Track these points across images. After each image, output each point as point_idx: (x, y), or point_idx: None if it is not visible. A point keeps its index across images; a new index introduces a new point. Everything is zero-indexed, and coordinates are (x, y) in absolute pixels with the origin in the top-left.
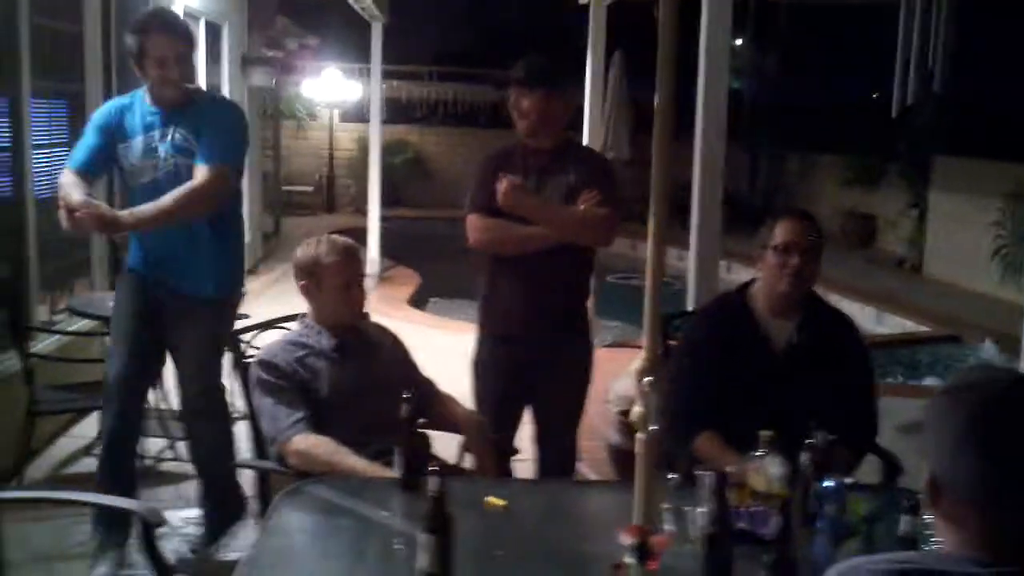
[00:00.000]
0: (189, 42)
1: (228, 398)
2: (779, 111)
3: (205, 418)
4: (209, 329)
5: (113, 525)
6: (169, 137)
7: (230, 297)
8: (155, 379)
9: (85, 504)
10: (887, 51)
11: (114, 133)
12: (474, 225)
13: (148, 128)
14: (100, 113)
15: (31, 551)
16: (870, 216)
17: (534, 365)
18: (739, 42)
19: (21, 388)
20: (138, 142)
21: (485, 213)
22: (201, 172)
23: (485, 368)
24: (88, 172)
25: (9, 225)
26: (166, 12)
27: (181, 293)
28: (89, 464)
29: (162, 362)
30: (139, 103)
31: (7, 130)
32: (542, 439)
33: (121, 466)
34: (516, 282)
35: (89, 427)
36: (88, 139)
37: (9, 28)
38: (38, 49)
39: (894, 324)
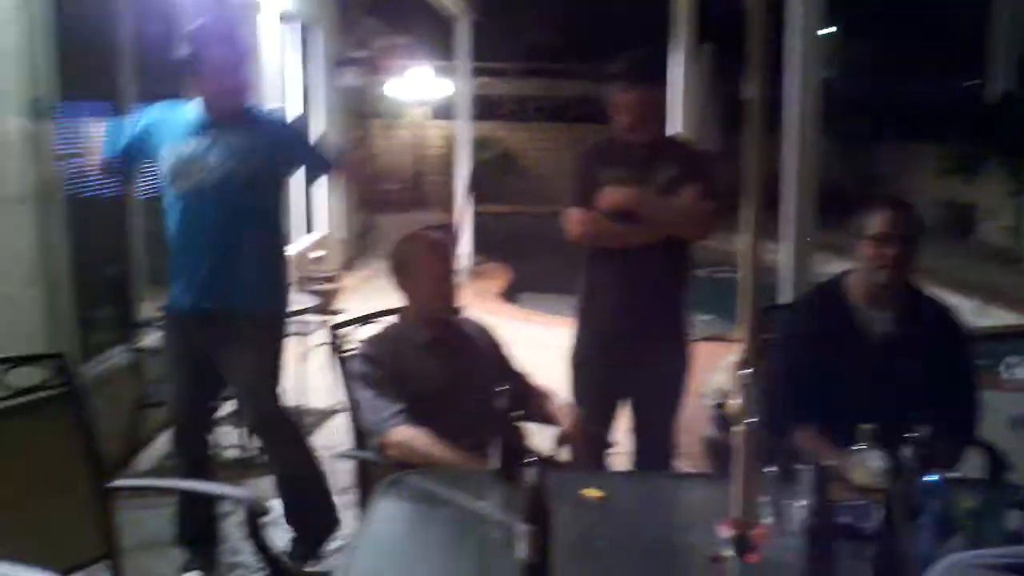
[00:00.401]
0: (247, 52)
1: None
2: (872, 100)
3: (273, 444)
4: (258, 351)
5: (201, 543)
6: (221, 146)
7: (277, 313)
8: (215, 409)
9: (191, 492)
10: (983, 37)
11: (156, 134)
12: (574, 219)
13: (196, 134)
14: (147, 112)
15: (142, 538)
16: (969, 206)
17: (633, 360)
18: (830, 30)
19: (130, 381)
20: (184, 147)
21: (585, 207)
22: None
23: (584, 362)
24: (123, 162)
25: (116, 224)
26: (224, 21)
27: (225, 314)
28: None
29: (220, 390)
30: (188, 110)
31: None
32: (640, 433)
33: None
34: (616, 277)
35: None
36: (128, 131)
37: (111, 33)
38: (139, 55)
39: (997, 316)
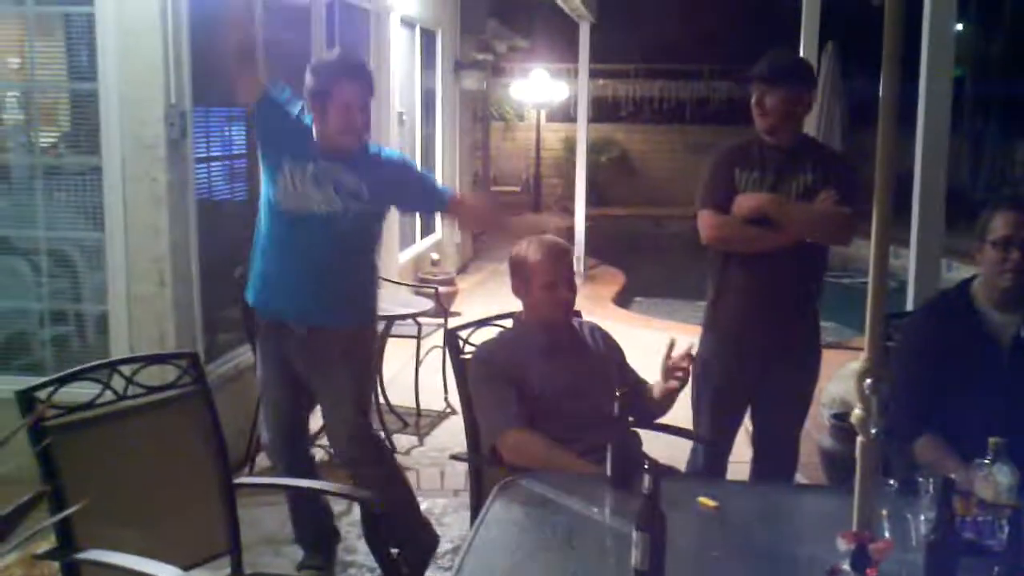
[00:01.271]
0: (372, 91)
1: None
2: (1005, 99)
3: (364, 466)
4: (348, 371)
5: (317, 545)
6: (336, 181)
7: (366, 333)
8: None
9: (320, 492)
10: None
11: (292, 133)
12: (707, 222)
13: (315, 160)
14: (300, 108)
15: (262, 534)
16: None
17: (760, 365)
18: (962, 27)
19: (253, 380)
20: (302, 169)
21: (719, 210)
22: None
23: (707, 367)
24: (267, 113)
25: (244, 226)
26: (354, 58)
27: (319, 333)
28: (312, 454)
29: (312, 403)
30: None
31: (243, 138)
32: (762, 441)
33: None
34: (748, 280)
35: (312, 419)
36: (288, 105)
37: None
38: (269, 59)
39: None
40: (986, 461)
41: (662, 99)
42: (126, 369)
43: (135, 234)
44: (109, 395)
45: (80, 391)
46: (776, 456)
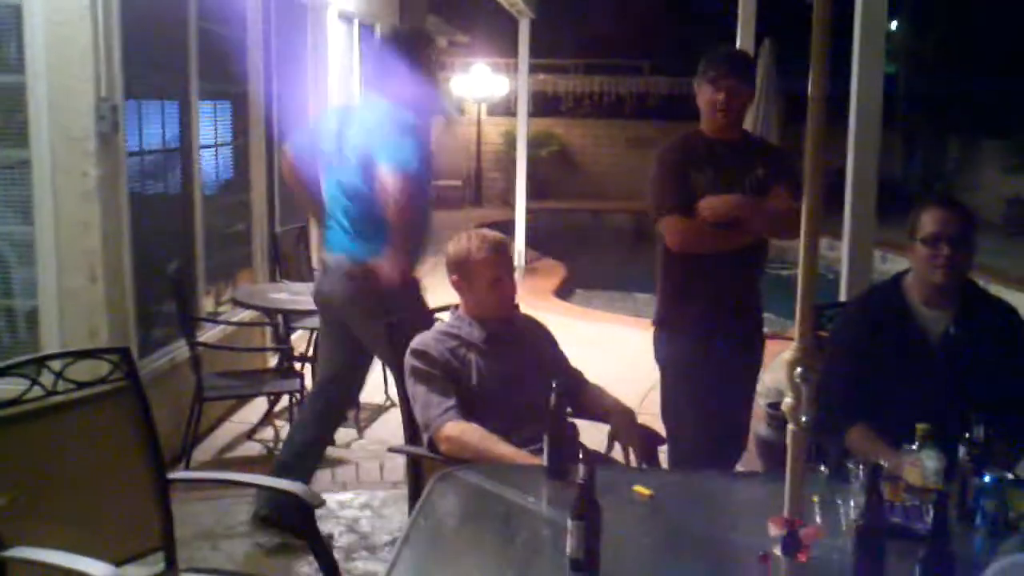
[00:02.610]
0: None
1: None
2: (937, 96)
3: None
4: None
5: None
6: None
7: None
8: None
9: (251, 485)
10: None
11: None
12: (676, 228)
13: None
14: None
15: (199, 528)
16: None
17: (721, 358)
18: (895, 25)
19: (189, 375)
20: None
21: (680, 213)
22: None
23: (677, 367)
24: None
25: (178, 221)
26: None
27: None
28: (250, 448)
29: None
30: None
31: (178, 130)
32: (717, 429)
33: None
34: (712, 280)
35: (251, 412)
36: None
37: (178, 33)
38: (205, 55)
39: None
40: (914, 448)
41: (602, 94)
42: (55, 364)
43: (65, 228)
44: (38, 391)
45: (7, 387)
46: (731, 443)
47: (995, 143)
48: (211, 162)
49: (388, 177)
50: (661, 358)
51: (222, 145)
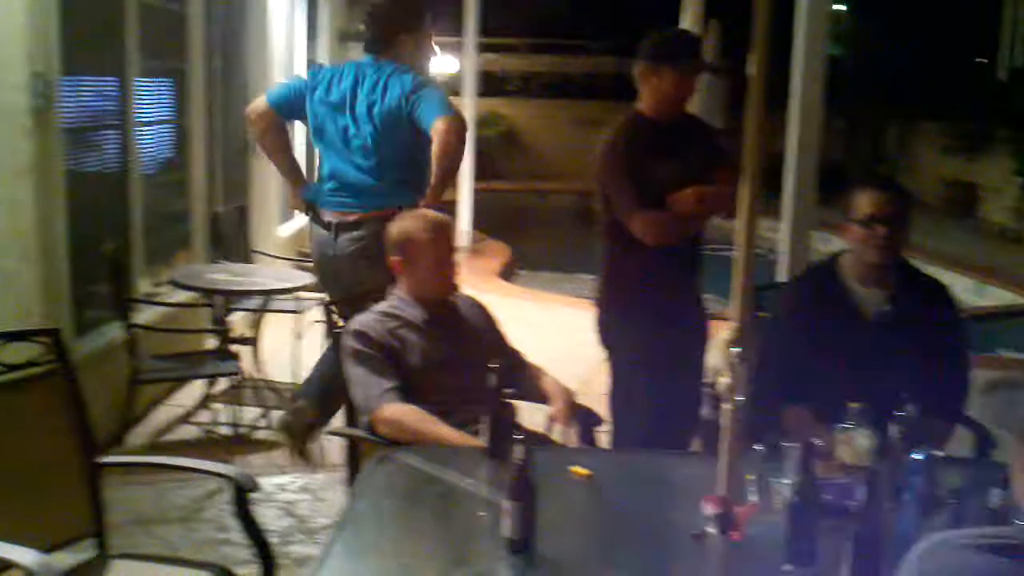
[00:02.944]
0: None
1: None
2: (879, 78)
3: None
4: None
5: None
6: None
7: None
8: None
9: (187, 470)
10: (994, 13)
11: None
12: (649, 226)
13: None
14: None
15: (132, 514)
16: (972, 185)
17: (674, 341)
18: (839, 7)
19: (124, 358)
20: None
21: (647, 208)
22: None
23: (629, 351)
24: None
25: (115, 200)
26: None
27: None
28: (187, 431)
29: None
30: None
31: (115, 108)
32: (669, 412)
33: None
34: (669, 267)
35: (187, 396)
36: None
37: (116, 8)
38: (144, 30)
39: (995, 296)
40: (847, 426)
41: (549, 74)
42: None
43: None
44: None
45: None
46: (686, 424)
47: (935, 125)
48: (150, 140)
49: (447, 127)
50: (615, 344)
51: (161, 123)
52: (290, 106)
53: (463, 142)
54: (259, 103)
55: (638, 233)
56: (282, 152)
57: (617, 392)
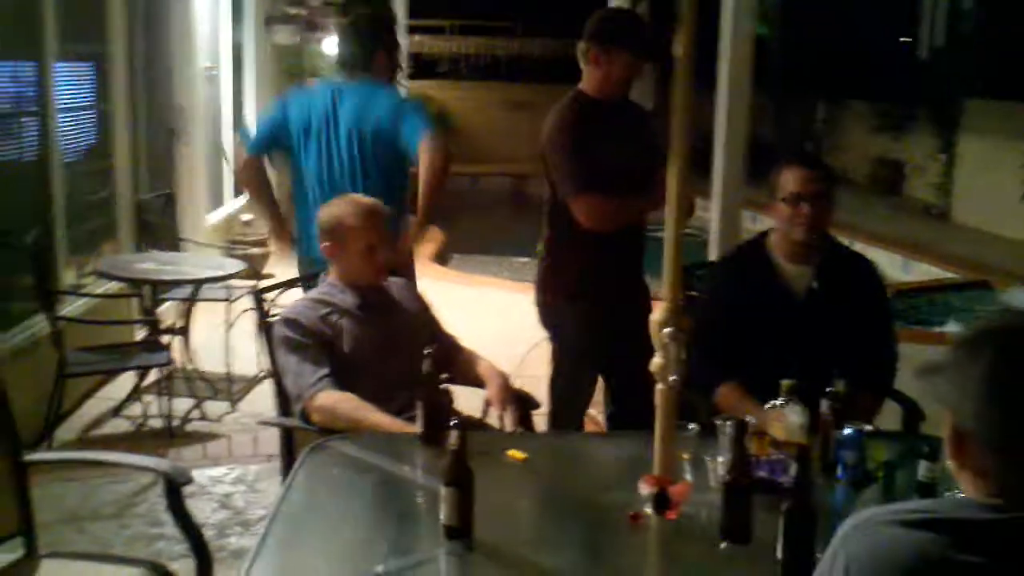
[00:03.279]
0: None
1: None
2: (807, 57)
3: None
4: None
5: None
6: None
7: None
8: None
9: (117, 465)
10: None
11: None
12: (591, 209)
13: None
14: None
15: (62, 511)
16: (898, 162)
17: (615, 322)
18: None
19: (50, 351)
20: None
21: (594, 192)
22: None
23: (563, 326)
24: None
25: (35, 189)
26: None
27: None
28: (117, 425)
29: None
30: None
31: (33, 93)
32: (625, 396)
33: None
34: (619, 250)
35: (117, 389)
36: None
37: None
38: (62, 12)
39: (921, 271)
40: (779, 403)
41: (478, 55)
42: None
43: None
44: None
45: None
46: (642, 406)
47: (862, 104)
48: (71, 126)
49: (434, 148)
50: (559, 327)
51: (83, 108)
52: (271, 141)
53: (450, 161)
54: (242, 148)
55: (579, 215)
56: (261, 193)
57: (560, 375)
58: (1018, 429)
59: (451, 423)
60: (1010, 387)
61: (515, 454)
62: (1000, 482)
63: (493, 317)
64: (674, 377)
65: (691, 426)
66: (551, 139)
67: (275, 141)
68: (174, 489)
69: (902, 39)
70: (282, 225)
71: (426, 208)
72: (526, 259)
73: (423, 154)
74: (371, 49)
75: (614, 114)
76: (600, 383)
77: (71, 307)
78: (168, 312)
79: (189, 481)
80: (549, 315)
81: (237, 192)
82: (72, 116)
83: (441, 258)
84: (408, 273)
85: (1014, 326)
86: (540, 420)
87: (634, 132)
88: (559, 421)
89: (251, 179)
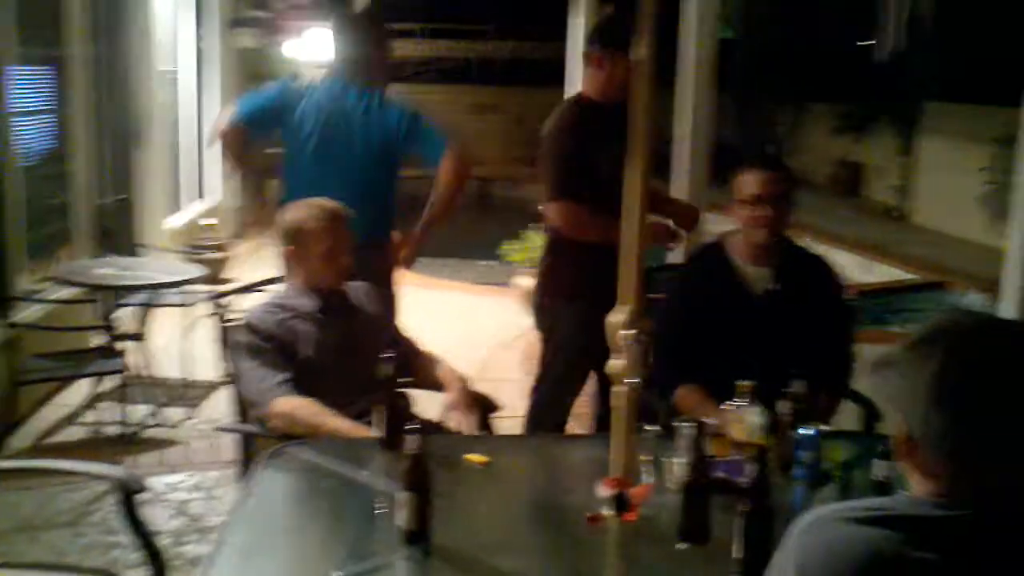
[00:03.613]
0: None
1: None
2: (770, 60)
3: None
4: None
5: None
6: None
7: None
8: None
9: (69, 473)
10: None
11: None
12: (563, 215)
13: None
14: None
15: (16, 520)
16: (858, 164)
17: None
18: None
19: (3, 358)
20: None
21: (573, 200)
22: None
23: (575, 339)
24: None
25: None
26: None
27: None
28: (73, 432)
29: None
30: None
31: None
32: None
33: None
34: (595, 245)
35: (73, 395)
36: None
37: None
38: (21, 16)
39: (882, 272)
40: (738, 404)
41: (446, 58)
42: None
43: None
44: None
45: None
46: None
47: (824, 107)
48: (28, 130)
49: (460, 158)
50: (555, 328)
51: (40, 112)
52: (258, 123)
53: (470, 170)
54: (232, 116)
55: (553, 219)
56: (246, 165)
57: (548, 378)
58: (967, 435)
59: (410, 427)
60: (959, 392)
61: (475, 458)
62: (949, 484)
63: (455, 320)
64: (634, 379)
65: (649, 428)
66: (547, 144)
67: (261, 124)
68: (128, 497)
69: (862, 42)
70: (260, 192)
71: (440, 217)
72: (490, 262)
73: (448, 163)
74: (366, 51)
75: (615, 117)
76: (587, 387)
77: (27, 313)
78: (125, 318)
79: (143, 488)
80: (546, 316)
81: (201, 192)
82: (29, 120)
83: None
84: (388, 279)
85: (964, 328)
86: (506, 423)
87: (621, 134)
88: (540, 425)
89: (233, 144)
